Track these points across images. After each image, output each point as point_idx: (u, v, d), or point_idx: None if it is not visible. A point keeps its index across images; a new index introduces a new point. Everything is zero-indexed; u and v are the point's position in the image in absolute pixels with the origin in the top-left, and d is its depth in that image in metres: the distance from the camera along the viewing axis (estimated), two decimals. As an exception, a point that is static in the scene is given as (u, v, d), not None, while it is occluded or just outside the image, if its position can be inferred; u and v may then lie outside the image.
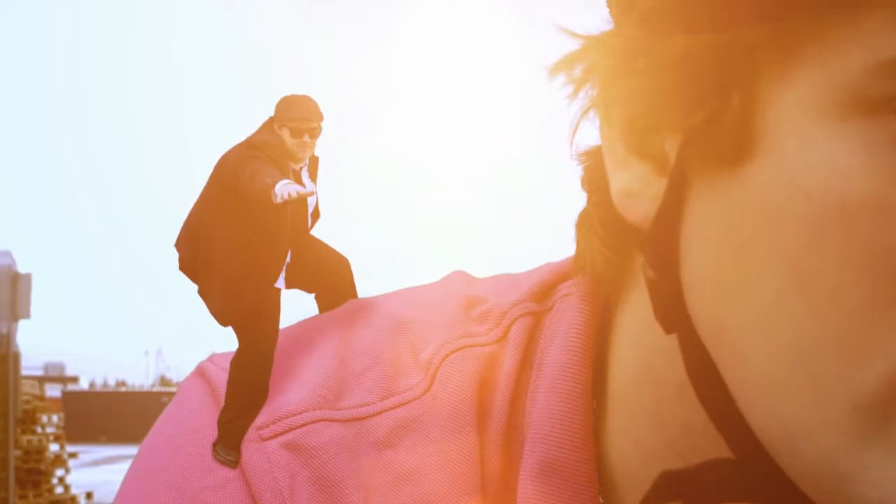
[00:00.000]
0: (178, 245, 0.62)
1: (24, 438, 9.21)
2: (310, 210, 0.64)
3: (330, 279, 0.63)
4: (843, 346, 0.37)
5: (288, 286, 0.62)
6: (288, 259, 0.61)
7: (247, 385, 0.55)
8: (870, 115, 0.36)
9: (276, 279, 0.60)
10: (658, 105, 0.41)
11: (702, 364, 0.43)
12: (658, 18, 0.40)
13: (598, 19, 0.45)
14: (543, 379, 0.51)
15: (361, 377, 0.54)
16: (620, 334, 0.51)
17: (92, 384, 31.31)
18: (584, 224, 0.51)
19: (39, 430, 9.56)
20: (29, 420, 9.44)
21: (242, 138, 0.63)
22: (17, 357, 8.62)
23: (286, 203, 0.59)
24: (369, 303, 0.59)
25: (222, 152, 0.62)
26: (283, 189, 0.58)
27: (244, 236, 0.60)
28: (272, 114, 0.63)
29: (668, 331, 0.44)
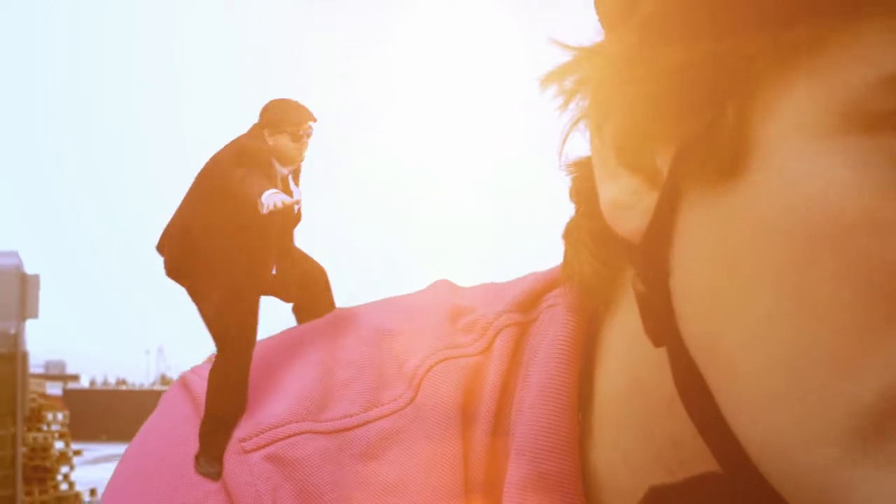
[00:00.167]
0: (163, 248, 0.61)
1: (30, 436, 9.26)
2: None
3: (308, 289, 0.62)
4: (838, 361, 0.37)
5: (268, 294, 0.61)
6: (273, 270, 0.61)
7: (226, 396, 0.54)
8: (868, 131, 0.36)
9: (262, 290, 0.60)
10: (652, 116, 0.41)
11: (691, 378, 0.42)
12: (654, 29, 0.40)
13: (593, 21, 0.45)
14: (529, 390, 0.51)
15: (345, 388, 0.53)
16: (607, 346, 0.50)
17: (93, 382, 31.37)
18: (573, 234, 0.50)
19: (45, 427, 9.60)
20: (35, 418, 9.48)
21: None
22: (24, 356, 8.66)
23: (272, 213, 0.58)
24: (353, 313, 0.59)
25: (224, 145, 0.61)
26: (270, 199, 0.58)
27: (235, 245, 0.59)
28: (259, 117, 0.62)
29: (657, 344, 0.44)
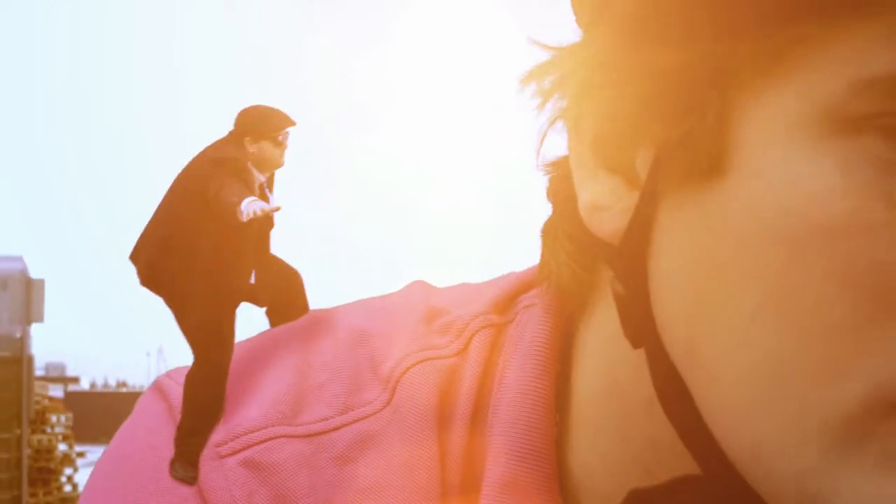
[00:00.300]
0: (138, 258, 0.60)
1: (35, 438, 9.32)
2: None
3: (282, 293, 0.62)
4: (821, 365, 0.36)
5: (244, 300, 0.61)
6: (252, 279, 0.61)
7: (203, 401, 0.54)
8: (849, 133, 0.35)
9: (240, 298, 0.60)
10: (630, 118, 0.40)
11: (670, 380, 0.42)
12: (632, 30, 0.39)
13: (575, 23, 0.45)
14: (506, 392, 0.50)
15: (320, 391, 0.53)
16: (585, 347, 0.50)
17: (93, 384, 31.47)
18: (550, 235, 0.50)
19: (49, 430, 9.66)
20: (39, 420, 9.56)
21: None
22: (30, 360, 8.77)
23: (251, 220, 0.58)
24: (328, 315, 0.58)
25: (198, 153, 0.61)
26: (250, 207, 0.57)
27: (212, 254, 0.59)
28: (235, 125, 0.62)
29: (635, 346, 0.43)
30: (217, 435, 0.52)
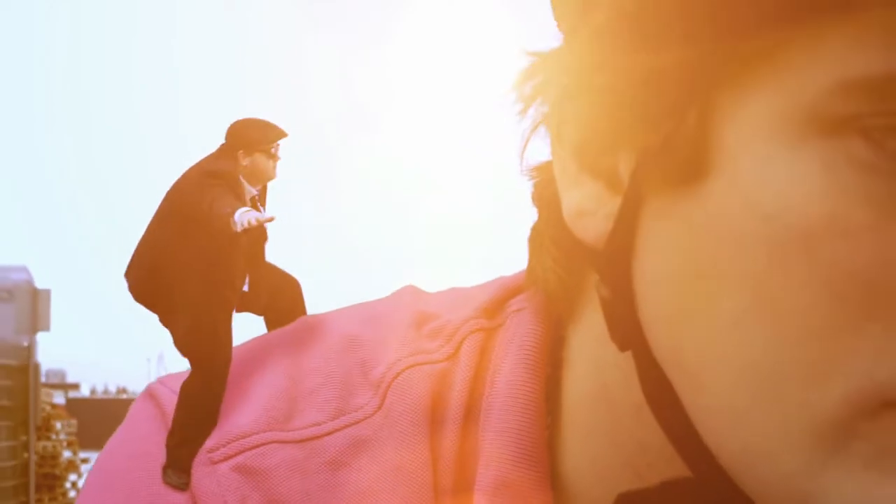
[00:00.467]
0: (131, 275, 0.60)
1: (40, 444, 9.42)
2: None
3: (278, 301, 0.62)
4: (804, 369, 0.36)
5: (239, 310, 0.61)
6: (246, 287, 0.61)
7: (198, 409, 0.54)
8: (829, 135, 0.35)
9: (232, 308, 0.60)
10: (611, 123, 0.40)
11: (658, 384, 0.42)
12: (611, 36, 0.39)
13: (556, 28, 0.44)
14: (496, 396, 0.50)
15: (312, 396, 0.53)
16: (574, 351, 0.50)
17: (93, 391, 31.62)
18: (536, 240, 0.50)
19: (54, 437, 9.74)
20: (44, 427, 9.63)
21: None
22: (37, 368, 8.94)
23: (245, 231, 0.58)
24: (319, 320, 0.58)
25: (189, 167, 0.61)
26: (243, 217, 0.58)
27: (204, 266, 0.59)
28: (227, 139, 0.62)
29: (622, 349, 0.43)
30: (209, 440, 0.53)
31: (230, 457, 0.52)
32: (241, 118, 0.63)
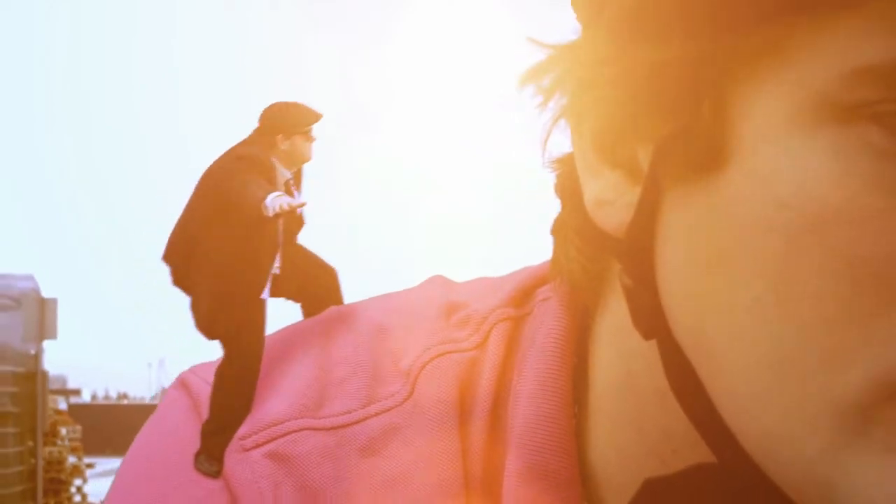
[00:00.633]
0: (167, 258, 0.61)
1: (46, 450, 9.63)
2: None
3: (316, 288, 0.62)
4: (822, 354, 0.36)
5: (273, 295, 0.61)
6: (277, 270, 0.61)
7: (231, 396, 0.54)
8: (842, 123, 0.35)
9: (261, 291, 0.60)
10: (628, 114, 0.41)
11: (681, 370, 0.42)
12: (627, 27, 0.40)
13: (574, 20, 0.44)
14: (525, 384, 0.51)
15: (343, 385, 0.53)
16: (599, 339, 0.50)
17: (94, 396, 31.77)
18: (560, 231, 0.50)
19: (59, 442, 10.01)
20: (51, 433, 9.88)
21: (240, 139, 0.63)
22: (44, 375, 9.10)
23: (277, 215, 0.59)
24: (349, 310, 0.59)
25: (223, 152, 0.62)
26: (275, 202, 0.58)
27: (233, 249, 0.60)
28: (261, 123, 0.63)
29: (646, 337, 0.44)
30: (242, 428, 0.53)
31: (262, 444, 0.53)
32: (275, 102, 0.63)
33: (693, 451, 0.44)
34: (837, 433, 0.37)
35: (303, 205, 0.61)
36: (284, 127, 0.62)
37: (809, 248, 0.36)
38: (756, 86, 0.38)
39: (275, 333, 0.59)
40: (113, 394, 33.41)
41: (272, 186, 0.60)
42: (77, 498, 10.29)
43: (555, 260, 0.51)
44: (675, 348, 0.42)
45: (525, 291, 0.56)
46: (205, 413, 0.55)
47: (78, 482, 10.38)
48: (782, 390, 0.38)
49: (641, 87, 0.40)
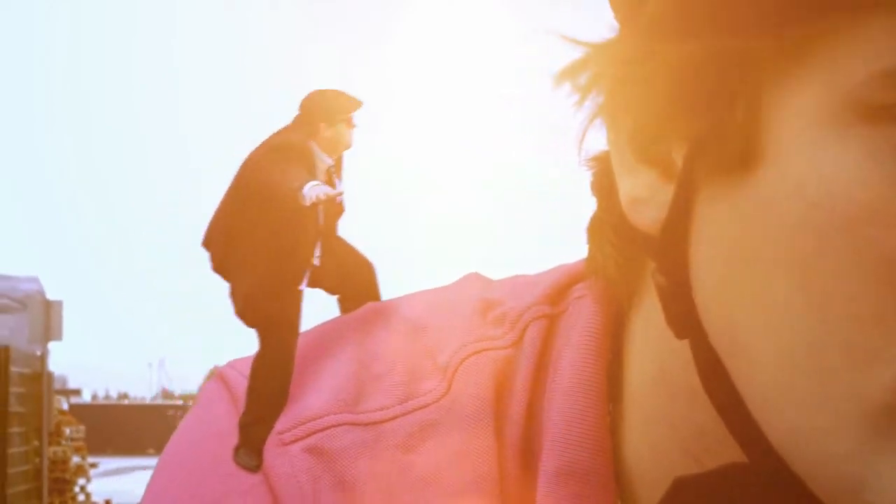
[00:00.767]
0: (207, 244, 0.61)
1: (50, 450, 9.71)
2: None
3: (353, 282, 0.63)
4: (852, 353, 0.37)
5: (311, 286, 0.61)
6: (317, 261, 0.61)
7: (268, 388, 0.55)
8: (873, 123, 0.36)
9: (300, 282, 0.60)
10: (663, 112, 0.41)
11: (713, 369, 0.42)
12: (662, 26, 0.40)
13: (594, 20, 0.46)
14: (559, 382, 0.51)
15: (380, 381, 0.54)
16: (634, 338, 0.51)
17: (94, 396, 31.93)
18: (596, 229, 0.51)
19: (64, 442, 10.11)
20: (55, 433, 9.97)
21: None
22: (50, 376, 9.20)
23: (315, 205, 0.59)
24: (385, 306, 0.59)
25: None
26: (313, 191, 0.58)
27: (270, 238, 0.60)
28: (303, 111, 0.63)
29: (679, 336, 0.44)
30: (280, 423, 0.54)
31: (301, 438, 0.53)
32: (315, 90, 0.63)
33: (726, 450, 0.45)
34: (868, 432, 0.38)
35: (340, 193, 0.61)
36: (329, 114, 0.63)
37: (838, 248, 0.37)
38: (789, 86, 0.38)
39: (312, 329, 0.60)
40: (113, 394, 33.56)
41: (312, 175, 0.60)
42: (81, 497, 10.42)
43: (591, 257, 0.52)
44: (706, 345, 0.43)
45: (560, 289, 0.56)
46: (242, 407, 0.56)
47: (82, 481, 10.48)
48: (811, 387, 0.39)
49: (677, 85, 0.41)
